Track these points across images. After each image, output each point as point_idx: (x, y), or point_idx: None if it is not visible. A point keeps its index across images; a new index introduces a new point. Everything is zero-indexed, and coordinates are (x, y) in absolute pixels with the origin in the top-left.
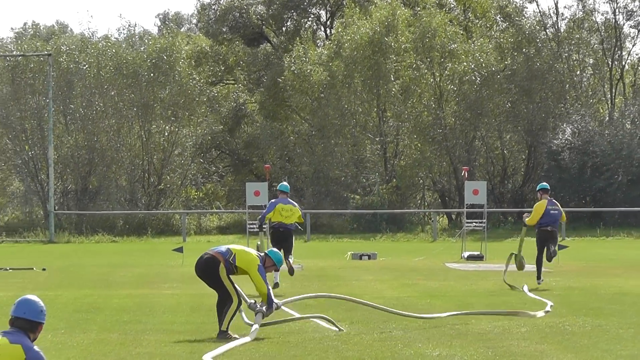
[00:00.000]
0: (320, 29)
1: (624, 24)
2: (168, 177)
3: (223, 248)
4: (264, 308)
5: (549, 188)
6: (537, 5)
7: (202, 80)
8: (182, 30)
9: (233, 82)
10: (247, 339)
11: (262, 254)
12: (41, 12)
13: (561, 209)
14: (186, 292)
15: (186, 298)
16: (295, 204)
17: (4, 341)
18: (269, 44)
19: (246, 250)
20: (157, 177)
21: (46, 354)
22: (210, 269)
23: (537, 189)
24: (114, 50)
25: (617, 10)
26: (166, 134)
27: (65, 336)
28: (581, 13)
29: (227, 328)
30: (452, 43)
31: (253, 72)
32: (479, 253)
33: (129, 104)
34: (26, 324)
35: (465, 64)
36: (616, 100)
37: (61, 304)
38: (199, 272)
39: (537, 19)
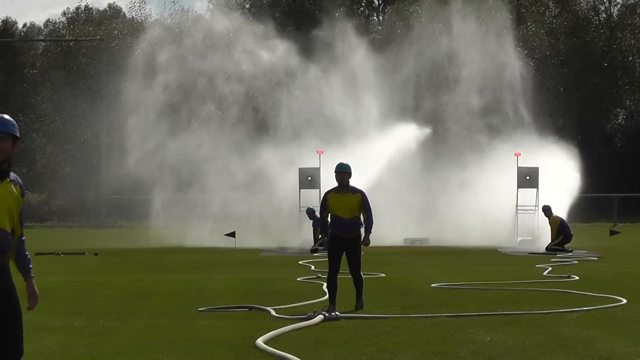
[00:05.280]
0: (373, 14)
1: None
2: None
3: (350, 218)
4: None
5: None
6: None
7: None
8: (235, 15)
9: None
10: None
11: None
12: None
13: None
14: (237, 277)
15: (237, 283)
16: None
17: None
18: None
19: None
20: None
21: (98, 339)
22: (358, 244)
23: (545, 209)
24: (166, 35)
25: None
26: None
27: (117, 321)
28: None
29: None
30: (504, 28)
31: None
32: (531, 238)
33: None
34: None
35: (518, 49)
36: None
37: (112, 289)
38: (345, 246)
39: (590, 4)
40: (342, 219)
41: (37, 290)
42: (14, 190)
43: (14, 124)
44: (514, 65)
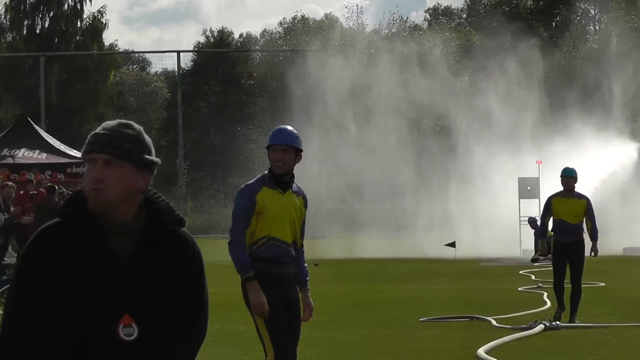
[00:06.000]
0: (590, 23)
1: None
2: None
3: (576, 224)
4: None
5: None
6: None
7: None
8: (451, 24)
9: None
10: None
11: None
12: (310, 6)
13: None
14: (458, 287)
15: (458, 293)
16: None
17: None
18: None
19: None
20: None
21: (319, 350)
22: (581, 249)
23: None
24: (383, 45)
25: None
26: None
27: (338, 332)
28: None
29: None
30: None
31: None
32: None
33: None
34: None
35: None
36: None
37: (334, 299)
38: (569, 252)
39: None
40: (567, 224)
41: (312, 302)
42: (297, 201)
43: (297, 136)
44: None
